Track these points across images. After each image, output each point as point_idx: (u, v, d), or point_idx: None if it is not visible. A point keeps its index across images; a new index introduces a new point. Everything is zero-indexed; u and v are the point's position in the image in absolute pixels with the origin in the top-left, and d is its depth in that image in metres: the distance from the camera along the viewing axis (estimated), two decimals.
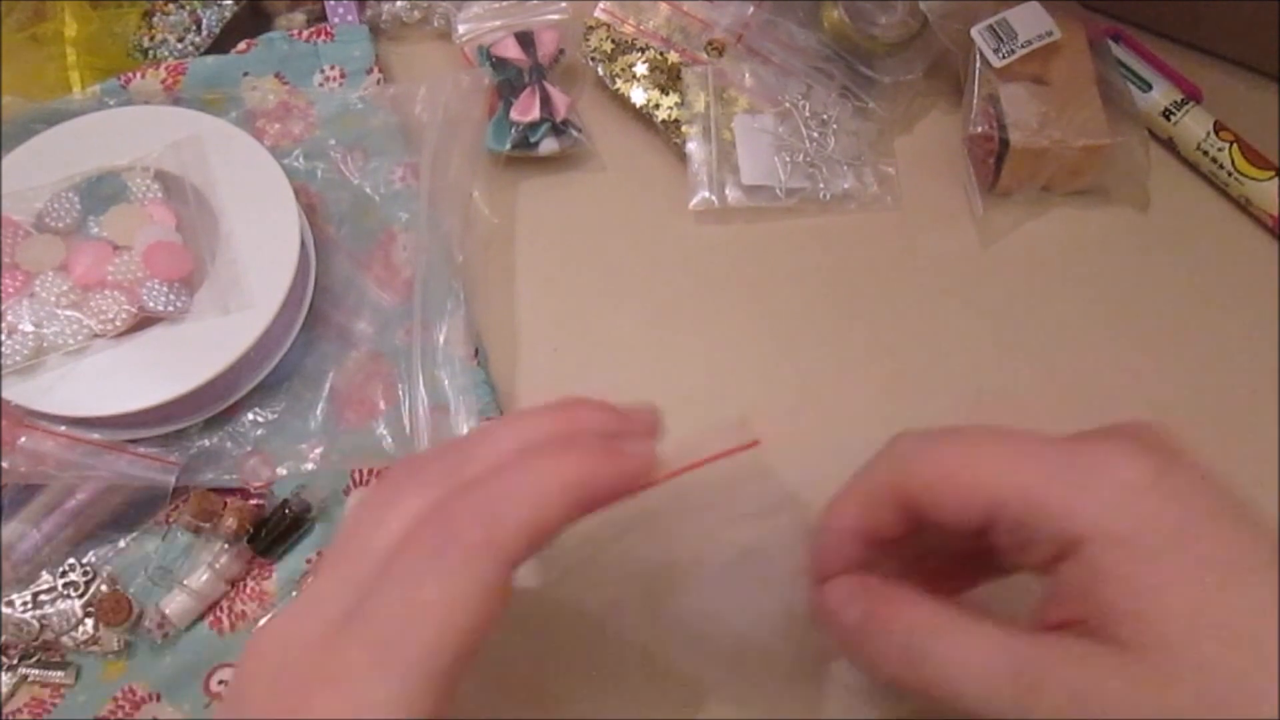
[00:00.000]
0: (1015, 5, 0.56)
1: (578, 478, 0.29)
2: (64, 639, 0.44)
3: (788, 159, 0.56)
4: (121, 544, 0.47)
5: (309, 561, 0.46)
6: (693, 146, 0.56)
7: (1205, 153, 0.57)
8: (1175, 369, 0.53)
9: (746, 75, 0.57)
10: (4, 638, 0.44)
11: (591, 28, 0.58)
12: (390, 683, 0.25)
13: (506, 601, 0.27)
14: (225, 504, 0.46)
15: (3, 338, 0.45)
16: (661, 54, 0.57)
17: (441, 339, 0.49)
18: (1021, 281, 0.55)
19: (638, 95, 0.56)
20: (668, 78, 0.56)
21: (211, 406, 0.47)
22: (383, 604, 0.27)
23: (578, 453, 0.29)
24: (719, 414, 0.50)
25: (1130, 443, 0.29)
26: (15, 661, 0.44)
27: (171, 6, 0.59)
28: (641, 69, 0.56)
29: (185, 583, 0.45)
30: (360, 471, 0.48)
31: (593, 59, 0.57)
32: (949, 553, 0.35)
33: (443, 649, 0.26)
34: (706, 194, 0.55)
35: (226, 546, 0.46)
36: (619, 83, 0.57)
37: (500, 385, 0.50)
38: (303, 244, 0.49)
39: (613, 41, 0.57)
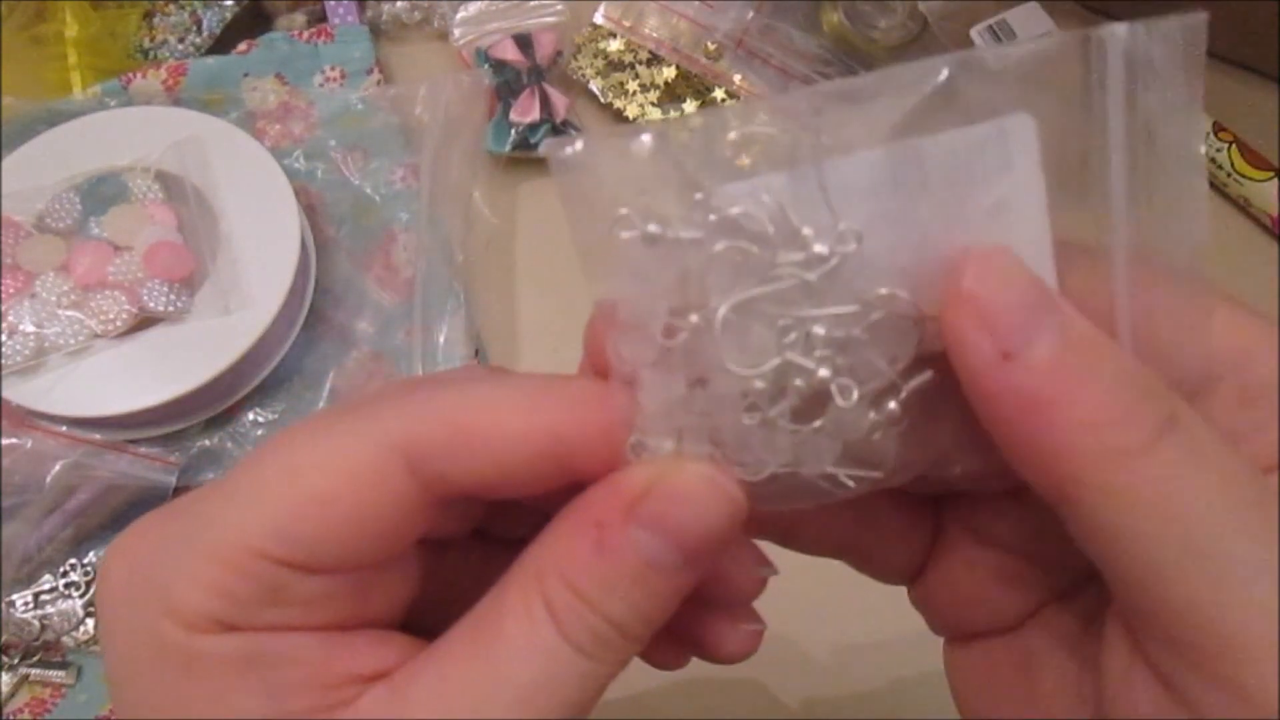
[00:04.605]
0: (1015, 6, 0.56)
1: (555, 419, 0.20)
2: (65, 639, 0.44)
3: None
4: None
5: None
6: None
7: (1204, 153, 0.57)
8: None
9: (747, 80, 0.57)
10: (5, 638, 0.44)
11: (581, 45, 0.58)
12: (193, 559, 0.19)
13: (407, 515, 0.20)
14: None
15: (4, 338, 0.45)
16: (653, 71, 0.57)
17: (442, 339, 0.49)
18: None
19: (632, 110, 0.57)
20: (661, 93, 0.57)
21: (212, 407, 0.48)
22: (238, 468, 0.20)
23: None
24: None
25: None
26: (16, 661, 0.44)
27: (172, 7, 0.59)
28: (633, 85, 0.57)
29: None
30: None
31: (583, 76, 0.58)
32: None
33: (269, 520, 0.19)
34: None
35: None
36: (611, 97, 0.57)
37: None
38: (303, 244, 0.49)
39: (604, 59, 0.57)
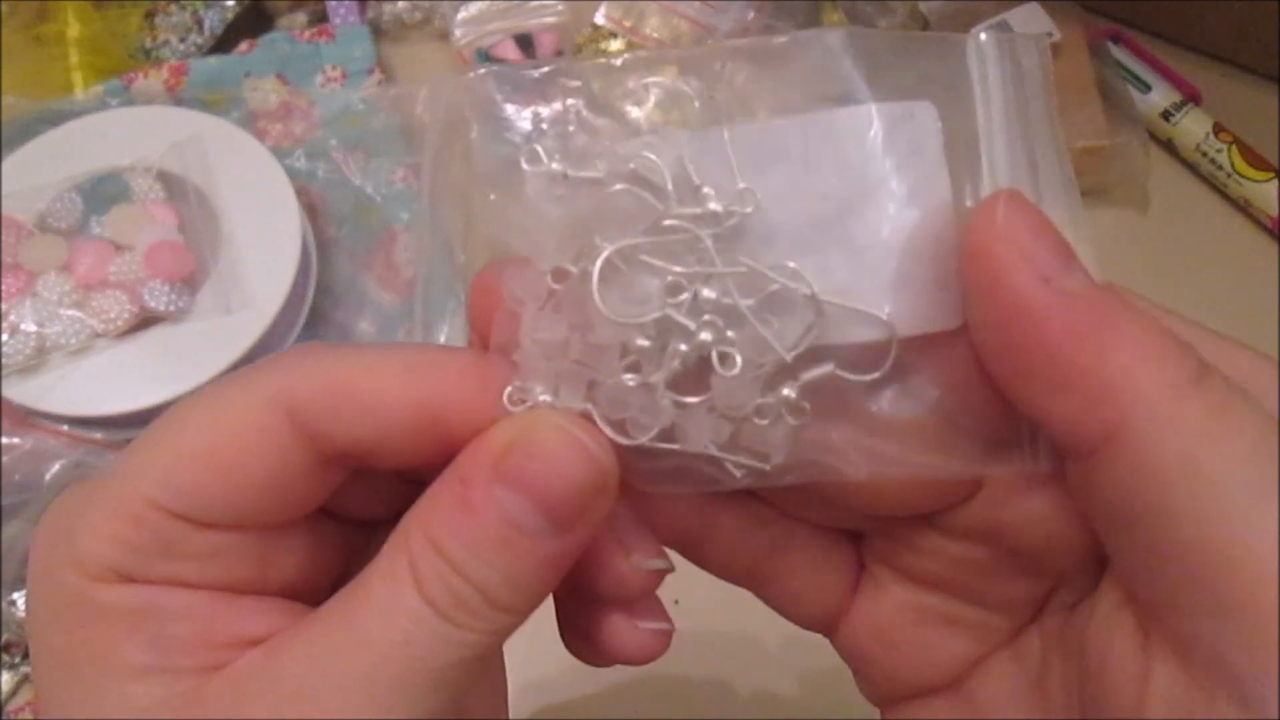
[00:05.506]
0: (1015, 7, 0.56)
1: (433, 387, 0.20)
2: None
3: None
4: None
5: None
6: None
7: (1204, 154, 0.57)
8: None
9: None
10: (5, 637, 0.44)
11: (581, 45, 0.58)
12: (96, 511, 0.19)
13: (296, 473, 0.20)
14: None
15: (5, 337, 0.45)
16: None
17: (442, 339, 0.49)
18: None
19: (632, 112, 0.57)
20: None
21: None
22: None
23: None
24: None
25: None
26: (17, 660, 0.44)
27: (173, 7, 0.59)
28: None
29: None
30: None
31: None
32: None
33: (159, 470, 0.19)
34: None
35: None
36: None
37: None
38: (304, 244, 0.49)
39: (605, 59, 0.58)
